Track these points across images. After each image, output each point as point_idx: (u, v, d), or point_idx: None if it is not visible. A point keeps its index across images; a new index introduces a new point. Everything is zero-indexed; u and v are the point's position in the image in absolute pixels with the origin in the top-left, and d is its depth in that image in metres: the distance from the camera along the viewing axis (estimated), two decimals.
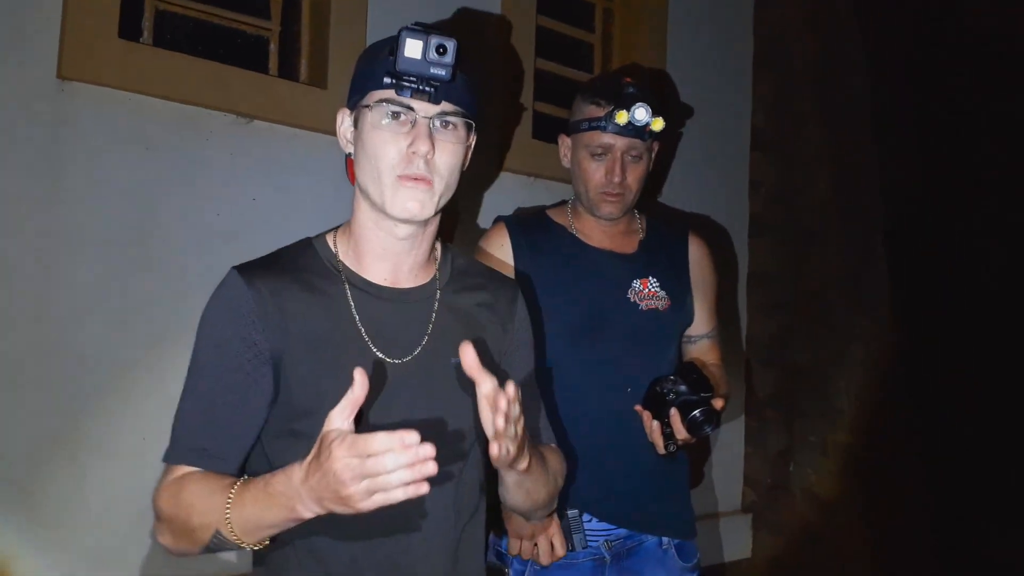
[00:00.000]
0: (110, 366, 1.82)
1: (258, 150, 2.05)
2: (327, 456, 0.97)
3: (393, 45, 1.18)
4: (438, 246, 1.34)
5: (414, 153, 1.19)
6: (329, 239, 1.30)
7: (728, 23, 3.28)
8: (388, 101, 1.19)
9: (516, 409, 1.08)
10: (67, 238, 1.78)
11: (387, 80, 1.19)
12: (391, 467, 0.94)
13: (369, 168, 1.21)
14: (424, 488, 0.97)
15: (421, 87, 1.18)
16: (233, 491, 1.09)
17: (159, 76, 1.89)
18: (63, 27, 1.77)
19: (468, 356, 1.05)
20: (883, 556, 3.12)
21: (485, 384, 1.05)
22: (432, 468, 0.96)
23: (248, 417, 1.20)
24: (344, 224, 1.32)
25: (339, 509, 1.00)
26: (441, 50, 1.17)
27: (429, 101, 1.19)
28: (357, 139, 1.25)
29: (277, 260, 1.27)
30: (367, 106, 1.21)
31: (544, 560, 1.70)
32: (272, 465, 1.22)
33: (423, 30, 1.18)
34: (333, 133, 2.06)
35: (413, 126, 1.20)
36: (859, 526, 3.09)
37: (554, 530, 1.70)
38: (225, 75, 2.01)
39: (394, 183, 1.20)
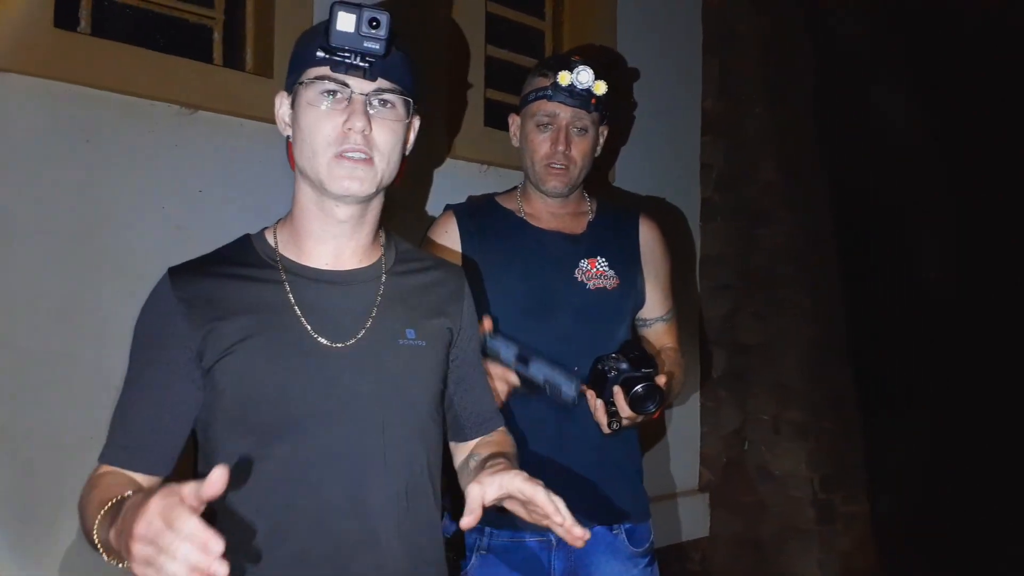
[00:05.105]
0: (54, 361, 1.78)
1: (203, 141, 2.01)
2: (145, 504, 0.87)
3: (327, 21, 1.16)
4: (381, 232, 1.33)
5: (350, 129, 1.17)
6: (268, 233, 1.30)
7: (677, 8, 3.30)
8: (323, 78, 1.18)
9: None
10: (5, 231, 1.74)
11: (320, 55, 1.17)
12: (178, 556, 0.84)
13: (306, 147, 1.20)
14: None
15: (355, 61, 1.16)
16: (108, 506, 1.04)
17: (98, 66, 1.85)
18: None
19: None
20: (837, 530, 3.20)
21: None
22: None
23: (169, 417, 1.19)
24: (285, 216, 1.31)
25: (125, 554, 0.91)
26: (374, 23, 1.15)
27: (364, 77, 1.18)
28: (294, 120, 1.23)
29: (213, 259, 1.26)
30: (302, 83, 1.20)
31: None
32: (215, 461, 1.20)
33: (356, 3, 1.16)
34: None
35: (349, 103, 1.18)
36: (813, 502, 3.16)
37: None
38: (167, 65, 1.97)
39: (331, 161, 1.18)
